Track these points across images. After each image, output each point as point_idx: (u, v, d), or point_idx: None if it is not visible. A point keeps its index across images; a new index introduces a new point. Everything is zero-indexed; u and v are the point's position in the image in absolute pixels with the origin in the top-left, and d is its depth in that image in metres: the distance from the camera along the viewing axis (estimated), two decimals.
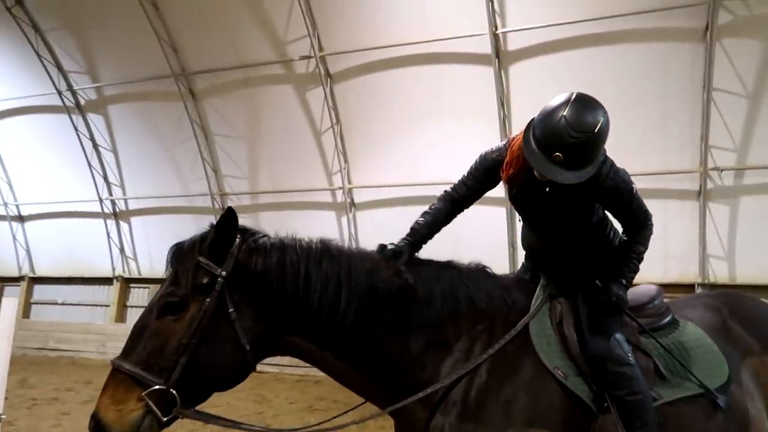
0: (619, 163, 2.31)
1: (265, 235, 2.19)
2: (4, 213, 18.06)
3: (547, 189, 2.31)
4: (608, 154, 2.28)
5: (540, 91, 11.34)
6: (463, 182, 2.47)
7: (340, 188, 13.56)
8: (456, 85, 12.02)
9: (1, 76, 16.43)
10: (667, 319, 2.51)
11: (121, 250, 16.70)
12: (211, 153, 14.87)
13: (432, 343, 2.17)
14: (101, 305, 17.11)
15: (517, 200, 2.47)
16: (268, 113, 13.97)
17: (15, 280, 18.28)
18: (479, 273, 2.36)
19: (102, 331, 15.86)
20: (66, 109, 15.90)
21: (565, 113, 2.08)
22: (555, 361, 2.17)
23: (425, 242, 2.37)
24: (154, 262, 16.20)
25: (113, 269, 16.70)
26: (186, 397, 1.94)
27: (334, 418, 2.39)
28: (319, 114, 13.40)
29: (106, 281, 16.92)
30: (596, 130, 2.08)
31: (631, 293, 2.45)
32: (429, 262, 2.33)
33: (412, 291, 2.19)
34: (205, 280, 2.00)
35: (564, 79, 11.24)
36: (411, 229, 2.36)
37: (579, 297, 2.36)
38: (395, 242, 2.31)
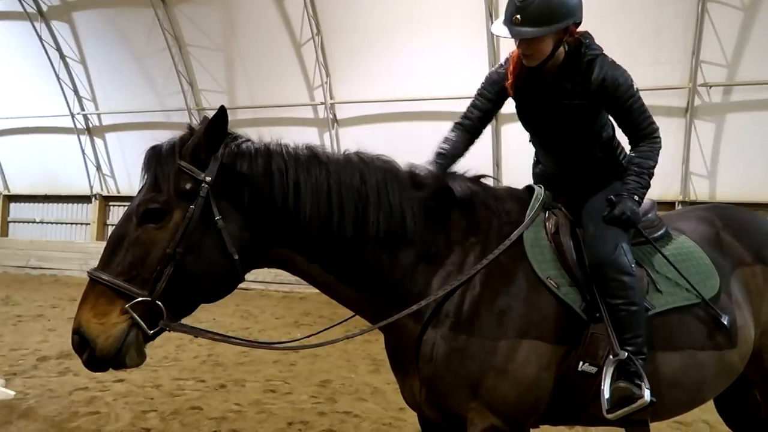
0: None
1: (248, 140, 2.05)
2: None
3: (548, 85, 2.30)
4: None
5: None
6: (472, 106, 2.48)
7: (322, 103, 13.16)
8: None
9: None
10: (661, 231, 2.50)
11: (98, 167, 16.29)
12: (186, 65, 14.19)
13: (423, 255, 2.11)
14: (81, 223, 16.92)
15: (523, 110, 2.45)
16: (244, 23, 13.23)
17: None
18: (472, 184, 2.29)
19: (84, 249, 15.76)
20: (27, 15, 14.89)
21: None
22: (548, 271, 2.13)
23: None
24: (133, 180, 15.87)
25: (91, 187, 16.36)
26: (172, 309, 1.85)
27: (321, 332, 2.36)
28: (298, 24, 12.73)
29: (84, 199, 16.63)
30: None
31: None
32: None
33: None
34: (188, 186, 1.87)
35: None
36: (434, 162, 2.36)
37: (587, 209, 2.33)
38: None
